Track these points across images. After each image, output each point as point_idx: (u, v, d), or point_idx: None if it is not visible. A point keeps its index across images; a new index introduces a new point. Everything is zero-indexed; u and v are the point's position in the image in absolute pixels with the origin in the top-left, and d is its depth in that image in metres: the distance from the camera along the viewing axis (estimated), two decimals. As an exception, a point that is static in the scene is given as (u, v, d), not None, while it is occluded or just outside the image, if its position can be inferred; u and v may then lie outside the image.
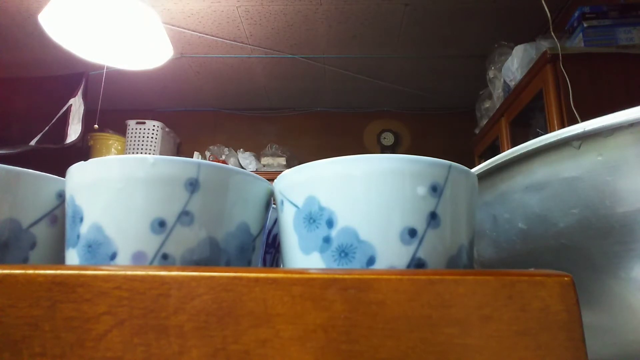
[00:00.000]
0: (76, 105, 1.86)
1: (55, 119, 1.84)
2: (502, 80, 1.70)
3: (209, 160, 1.54)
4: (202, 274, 0.16)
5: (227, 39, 2.03)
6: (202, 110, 2.75)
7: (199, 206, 0.21)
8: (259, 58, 2.18)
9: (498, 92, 1.77)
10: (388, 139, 2.67)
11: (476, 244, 0.31)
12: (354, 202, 0.21)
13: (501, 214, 0.28)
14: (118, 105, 2.57)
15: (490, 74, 1.81)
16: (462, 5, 1.78)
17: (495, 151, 1.84)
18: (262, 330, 0.16)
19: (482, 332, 0.16)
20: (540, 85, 1.33)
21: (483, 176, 0.28)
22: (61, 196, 0.27)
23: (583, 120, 0.21)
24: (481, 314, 0.16)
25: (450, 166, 0.22)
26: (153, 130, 2.40)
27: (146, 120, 2.40)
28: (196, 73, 2.33)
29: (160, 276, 0.16)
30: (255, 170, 2.41)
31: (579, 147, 0.22)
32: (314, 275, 0.16)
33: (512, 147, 0.25)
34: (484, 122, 1.93)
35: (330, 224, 0.21)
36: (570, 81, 1.21)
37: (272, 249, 0.35)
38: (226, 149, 2.55)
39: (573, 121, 1.16)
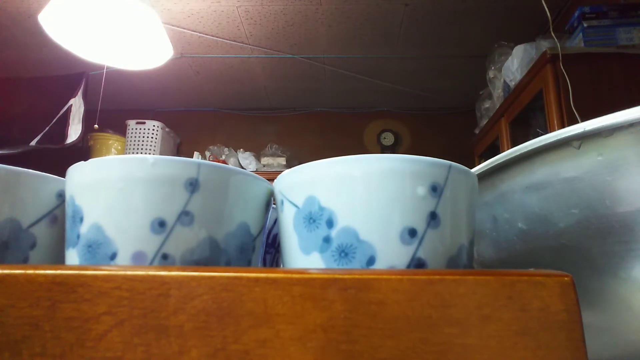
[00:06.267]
0: (76, 106, 1.86)
1: (55, 119, 1.84)
2: (502, 80, 1.70)
3: (209, 160, 1.54)
4: (202, 274, 0.16)
5: (227, 39, 2.03)
6: (202, 110, 2.75)
7: (199, 206, 0.21)
8: (259, 58, 2.18)
9: (498, 92, 1.77)
10: (388, 139, 2.67)
11: (476, 244, 0.31)
12: (354, 202, 0.21)
13: (501, 214, 0.28)
14: (118, 105, 2.57)
15: (490, 74, 1.81)
16: (462, 5, 1.78)
17: (495, 151, 1.84)
18: (262, 330, 0.16)
19: (482, 332, 0.16)
20: (540, 85, 1.33)
21: (483, 176, 0.28)
22: (61, 196, 0.27)
23: (583, 120, 0.21)
24: (481, 314, 0.16)
25: (450, 166, 0.22)
26: (153, 130, 2.40)
27: (146, 120, 2.40)
28: (196, 73, 2.33)
29: (160, 276, 0.16)
30: (255, 170, 2.41)
31: (579, 147, 0.22)
32: (314, 275, 0.16)
33: (512, 147, 0.25)
34: (484, 122, 1.93)
35: (330, 224, 0.21)
36: (570, 81, 1.21)
37: (272, 249, 0.35)
38: (226, 149, 2.55)
39: (573, 121, 1.16)
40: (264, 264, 0.34)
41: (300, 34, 1.98)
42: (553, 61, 1.26)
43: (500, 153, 0.27)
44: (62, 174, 0.25)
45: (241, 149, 2.55)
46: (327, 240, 0.21)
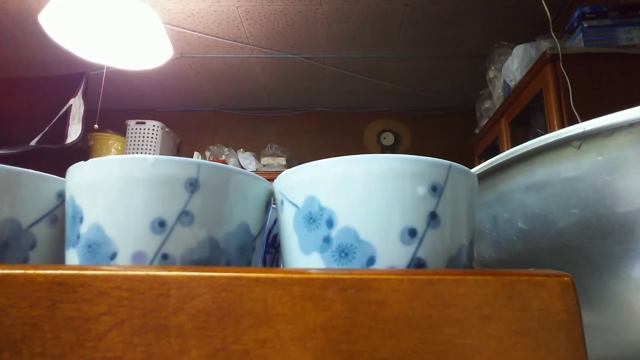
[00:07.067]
0: (76, 106, 1.86)
1: (55, 119, 1.84)
2: (502, 80, 1.70)
3: (209, 160, 1.54)
4: (202, 274, 0.16)
5: (227, 39, 2.03)
6: (202, 110, 2.75)
7: (199, 206, 0.21)
8: (259, 58, 2.18)
9: (498, 92, 1.77)
10: (388, 139, 2.67)
11: (476, 244, 0.31)
12: (354, 202, 0.21)
13: (501, 214, 0.28)
14: (118, 105, 2.57)
15: (490, 74, 1.81)
16: (462, 5, 1.78)
17: (495, 151, 1.84)
18: (262, 330, 0.16)
19: (482, 332, 0.16)
20: (540, 85, 1.33)
21: (483, 176, 0.28)
22: (61, 196, 0.27)
23: (583, 120, 0.21)
24: (481, 314, 0.16)
25: (450, 166, 0.22)
26: (153, 130, 2.40)
27: (146, 120, 2.40)
28: (196, 73, 2.33)
29: (160, 276, 0.16)
30: (255, 170, 2.41)
31: (579, 147, 0.22)
32: (314, 275, 0.16)
33: (512, 147, 0.25)
34: (484, 122, 1.93)
35: (330, 224, 0.21)
36: (570, 81, 1.21)
37: (272, 249, 0.35)
38: (226, 149, 2.55)
39: (573, 121, 1.16)
40: (264, 264, 0.34)
41: (300, 34, 1.98)
42: (553, 61, 1.26)
43: (500, 153, 0.27)
44: (62, 174, 0.25)
45: (241, 149, 2.55)
46: (327, 240, 0.21)
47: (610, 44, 1.29)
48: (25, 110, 1.92)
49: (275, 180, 0.24)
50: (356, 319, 0.16)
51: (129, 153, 2.35)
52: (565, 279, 0.16)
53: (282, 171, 0.43)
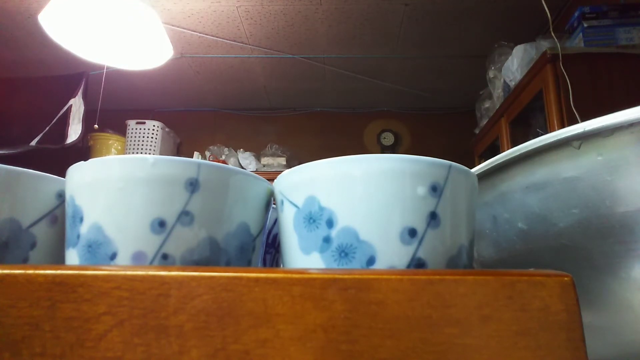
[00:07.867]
0: (76, 106, 1.86)
1: (55, 119, 1.84)
2: (502, 80, 1.70)
3: (209, 160, 1.54)
4: (202, 274, 0.16)
5: (227, 39, 2.03)
6: (202, 110, 2.75)
7: (199, 206, 0.21)
8: (259, 58, 2.18)
9: (498, 92, 1.77)
10: (388, 139, 2.67)
11: (476, 244, 0.31)
12: (354, 202, 0.21)
13: (501, 214, 0.28)
14: (118, 105, 2.57)
15: (490, 74, 1.81)
16: (462, 5, 1.78)
17: (495, 151, 1.84)
18: (262, 330, 0.16)
19: (482, 332, 0.16)
20: (540, 85, 1.33)
21: (483, 176, 0.28)
22: (61, 196, 0.27)
23: (583, 120, 0.21)
24: (481, 314, 0.16)
25: (450, 166, 0.22)
26: (153, 130, 2.40)
27: (146, 120, 2.40)
28: (196, 73, 2.33)
29: (160, 276, 0.16)
30: (255, 170, 2.41)
31: (579, 147, 0.22)
32: (314, 275, 0.16)
33: (512, 147, 0.25)
34: (484, 122, 1.93)
35: (330, 224, 0.21)
36: (570, 81, 1.21)
37: (272, 249, 0.35)
38: (226, 149, 2.55)
39: (573, 121, 1.16)
40: (264, 264, 0.34)
41: (300, 34, 1.98)
42: (553, 61, 1.26)
43: (500, 153, 0.27)
44: (62, 174, 0.25)
45: (241, 149, 2.55)
46: (327, 240, 0.21)
47: (610, 44, 1.29)
48: (25, 110, 1.92)
49: (275, 180, 0.24)
50: (356, 319, 0.16)
51: (129, 153, 2.35)
52: (565, 279, 0.16)
53: (282, 171, 0.43)
